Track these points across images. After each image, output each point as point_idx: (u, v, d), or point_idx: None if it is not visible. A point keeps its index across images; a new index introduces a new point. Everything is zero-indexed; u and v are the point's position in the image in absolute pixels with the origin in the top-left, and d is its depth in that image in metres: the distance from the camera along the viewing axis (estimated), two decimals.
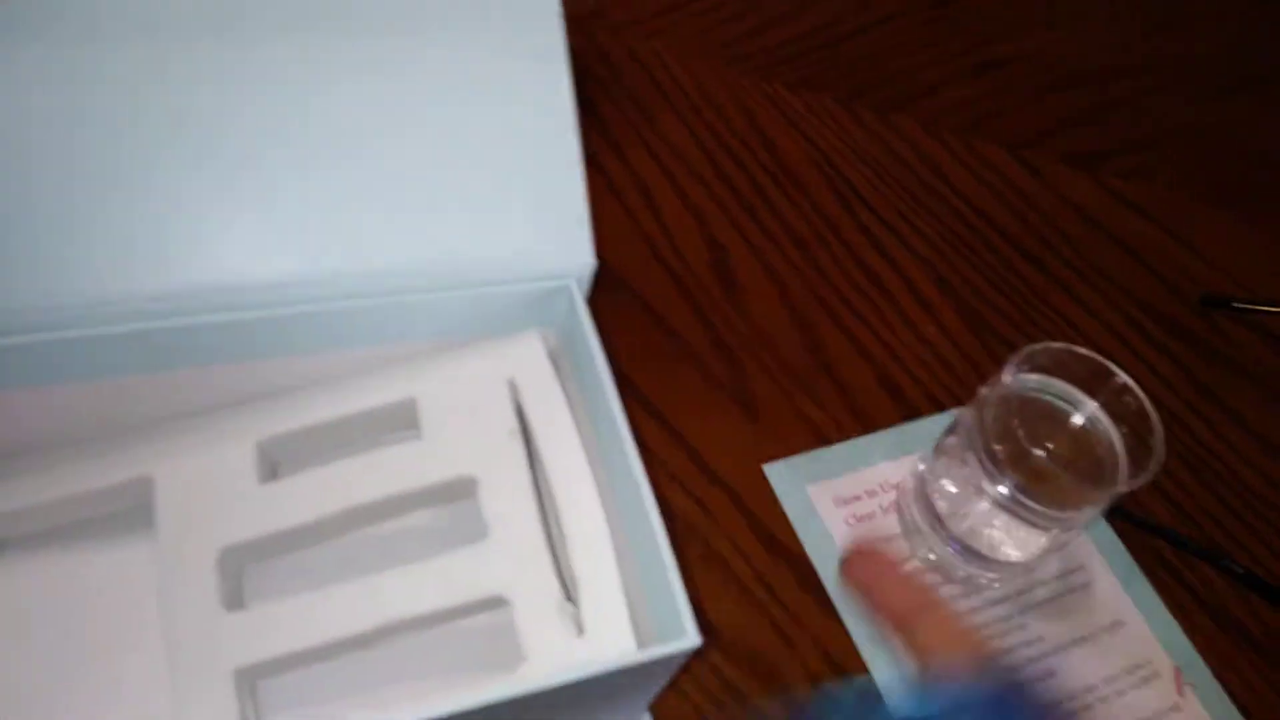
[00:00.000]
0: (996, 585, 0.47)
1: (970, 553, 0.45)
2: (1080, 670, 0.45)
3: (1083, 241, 0.64)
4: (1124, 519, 0.51)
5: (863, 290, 0.57)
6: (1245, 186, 0.71)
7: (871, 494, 0.49)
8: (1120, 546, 0.50)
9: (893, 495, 0.49)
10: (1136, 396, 0.42)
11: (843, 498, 0.48)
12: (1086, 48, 0.76)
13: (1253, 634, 0.49)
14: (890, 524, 0.48)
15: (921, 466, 0.47)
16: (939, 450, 0.46)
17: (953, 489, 0.45)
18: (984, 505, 0.43)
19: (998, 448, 0.41)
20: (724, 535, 0.47)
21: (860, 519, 0.48)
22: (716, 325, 0.54)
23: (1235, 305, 0.62)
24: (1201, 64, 0.77)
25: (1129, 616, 0.47)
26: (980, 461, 0.41)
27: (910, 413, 0.52)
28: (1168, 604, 0.48)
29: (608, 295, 0.53)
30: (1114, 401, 0.43)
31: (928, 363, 0.55)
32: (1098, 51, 0.76)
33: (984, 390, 0.42)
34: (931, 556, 0.47)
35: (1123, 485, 0.40)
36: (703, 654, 0.43)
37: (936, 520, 0.46)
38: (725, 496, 0.48)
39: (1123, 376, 0.42)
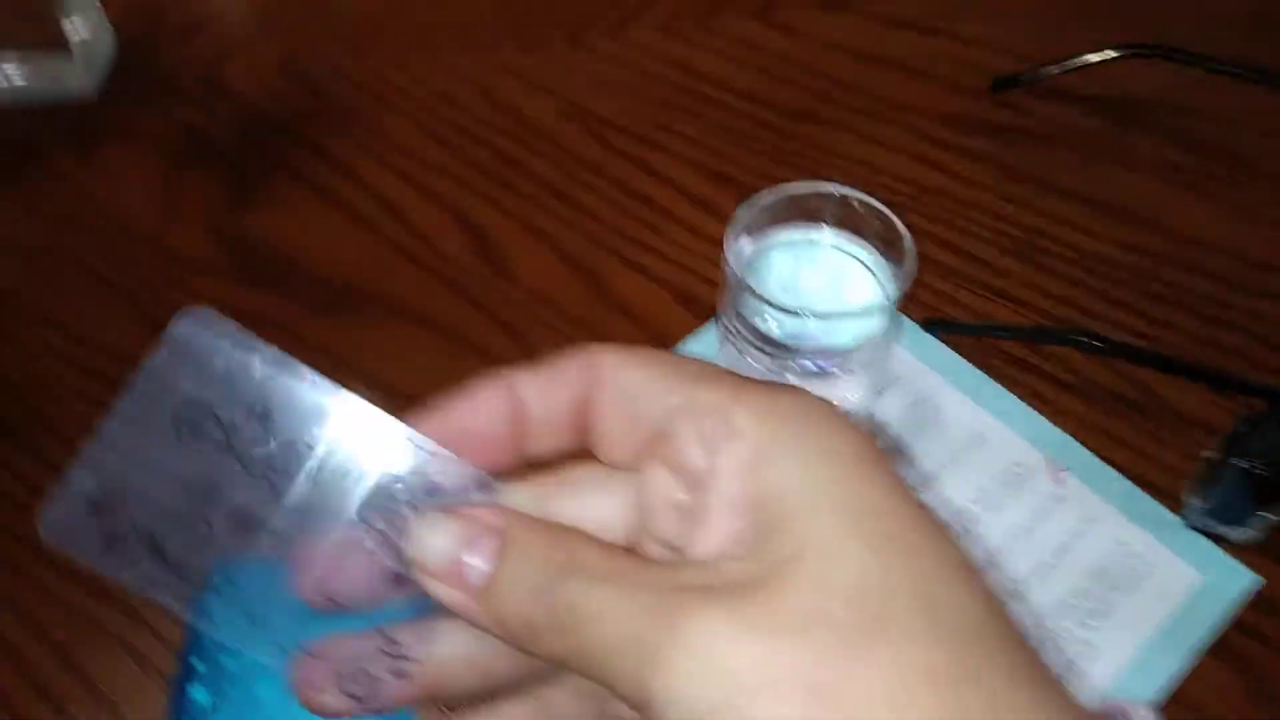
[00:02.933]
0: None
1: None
2: (950, 496, 0.42)
3: (859, 81, 0.61)
4: (956, 330, 0.48)
5: (638, 217, 0.54)
6: None
7: None
8: (962, 362, 0.46)
9: None
10: (862, 202, 0.39)
11: None
12: None
13: (1129, 398, 0.45)
14: None
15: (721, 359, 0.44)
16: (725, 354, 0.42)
17: (759, 366, 0.42)
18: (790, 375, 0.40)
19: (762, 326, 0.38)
20: None
21: None
22: (495, 308, 0.50)
23: (1023, 80, 0.58)
24: None
25: (987, 427, 0.44)
26: (755, 345, 0.39)
27: (711, 313, 0.49)
28: (1026, 400, 0.45)
29: (379, 326, 0.50)
30: (855, 220, 0.40)
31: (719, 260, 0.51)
32: None
33: (723, 269, 0.39)
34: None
35: (890, 293, 0.38)
36: None
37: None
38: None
39: (838, 189, 0.39)
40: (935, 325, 0.48)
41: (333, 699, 0.22)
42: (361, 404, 0.22)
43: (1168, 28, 0.59)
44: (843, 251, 0.40)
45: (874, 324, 0.38)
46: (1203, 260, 0.50)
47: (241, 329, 0.22)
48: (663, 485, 0.22)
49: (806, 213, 0.40)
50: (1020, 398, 0.45)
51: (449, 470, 0.23)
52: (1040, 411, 0.44)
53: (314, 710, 0.22)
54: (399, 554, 0.22)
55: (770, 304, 0.37)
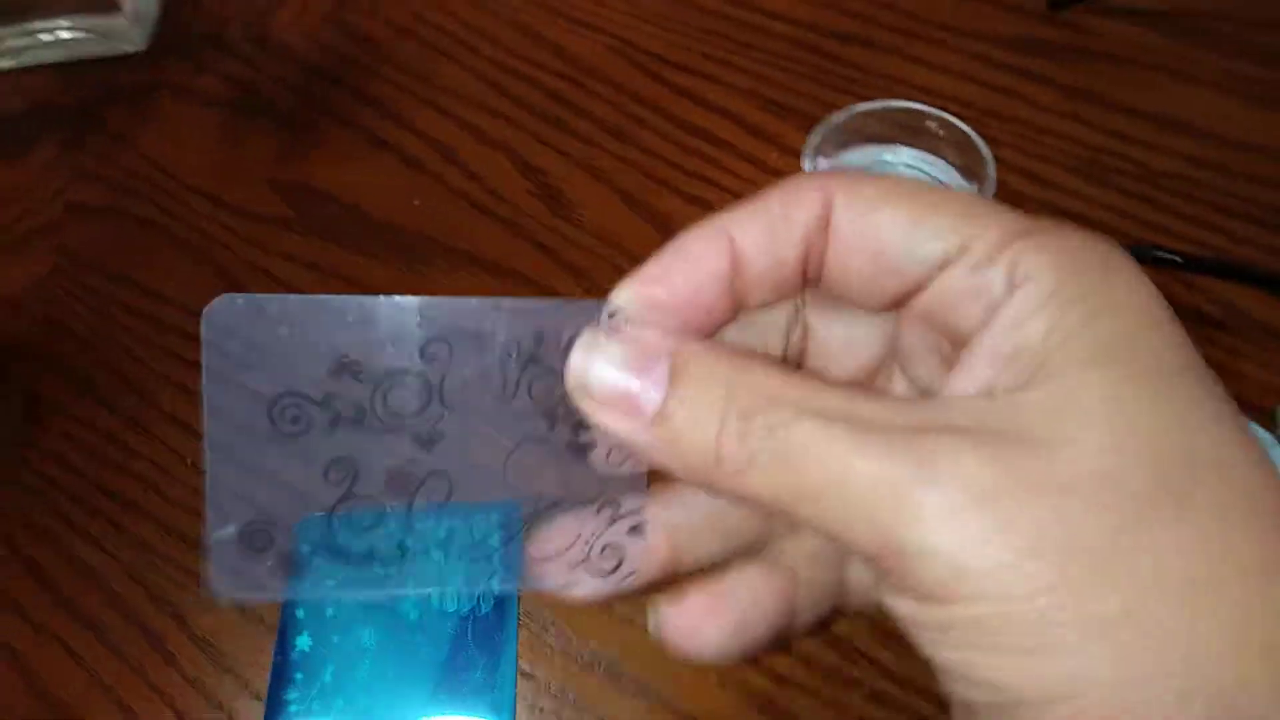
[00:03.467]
0: None
1: None
2: None
3: (912, 4, 0.59)
4: None
5: (697, 151, 0.54)
6: None
7: None
8: None
9: None
10: (944, 121, 0.39)
11: None
12: None
13: (1213, 317, 0.45)
14: None
15: None
16: None
17: None
18: None
19: None
20: None
21: None
22: (560, 251, 0.50)
23: None
24: None
25: None
26: None
27: None
28: None
29: (442, 271, 0.50)
30: (931, 141, 0.39)
31: None
32: None
33: None
34: None
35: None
36: None
37: None
38: None
39: (914, 105, 0.39)
40: None
41: (585, 585, 0.21)
42: (424, 298, 0.20)
43: None
44: (919, 170, 0.39)
45: None
46: (1274, 172, 0.49)
47: (263, 296, 0.20)
48: (922, 335, 0.20)
49: (881, 133, 0.39)
50: None
51: (569, 309, 0.21)
52: None
53: (574, 602, 0.22)
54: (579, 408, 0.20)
55: None
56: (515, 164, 0.54)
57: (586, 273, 0.49)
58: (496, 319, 0.20)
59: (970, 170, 0.38)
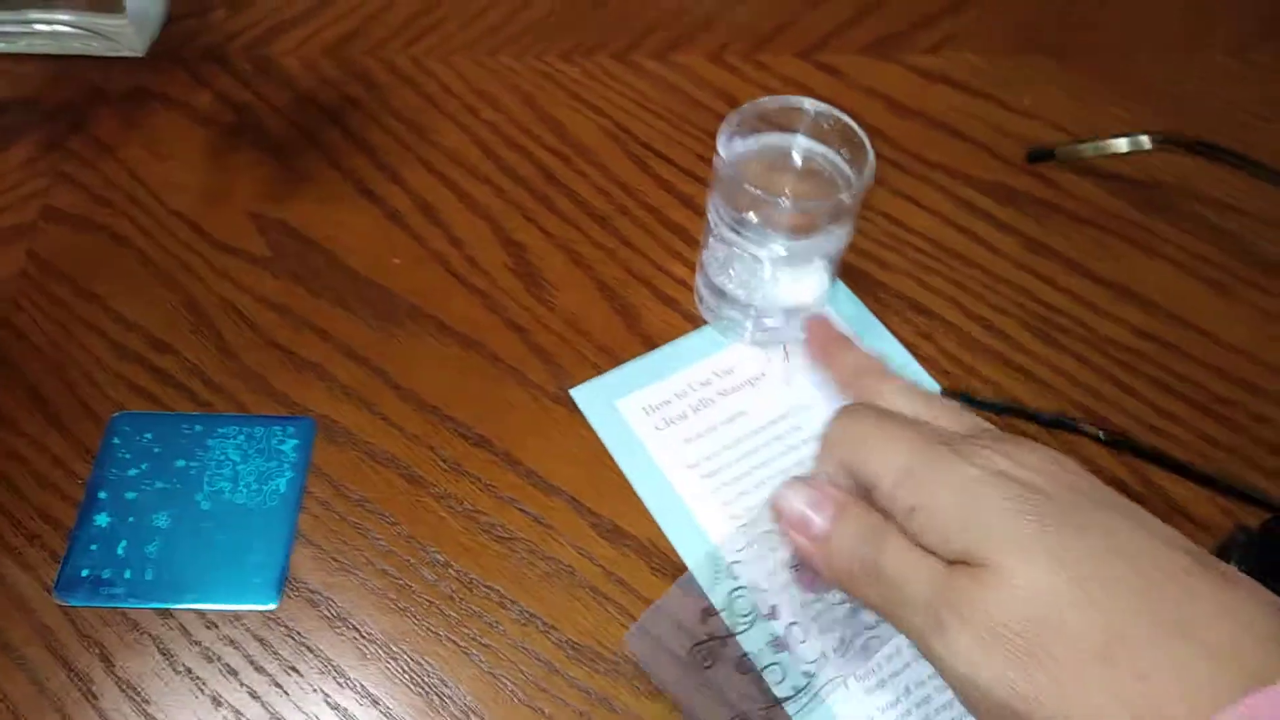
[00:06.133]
0: (801, 334, 0.49)
1: (771, 313, 0.50)
2: None
3: (897, 130, 0.62)
4: (977, 405, 0.49)
5: (674, 251, 0.55)
6: (1055, 30, 0.69)
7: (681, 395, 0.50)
8: None
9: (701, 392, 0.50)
10: (832, 115, 0.47)
11: (651, 405, 0.49)
12: None
13: (1132, 489, 0.47)
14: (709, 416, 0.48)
15: (703, 254, 0.50)
16: (708, 243, 0.49)
17: (732, 269, 0.49)
18: (762, 267, 0.47)
19: (747, 214, 0.46)
20: (567, 544, 0.45)
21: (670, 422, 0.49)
22: (531, 332, 0.51)
23: (1058, 153, 0.60)
24: None
25: None
26: (738, 232, 0.46)
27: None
28: None
29: (411, 334, 0.51)
30: (818, 129, 0.48)
31: None
32: None
33: (715, 166, 0.46)
34: (735, 329, 0.51)
35: (855, 188, 0.45)
36: (562, 670, 0.41)
37: (733, 299, 0.50)
38: (564, 503, 0.46)
39: (811, 104, 0.47)
40: (955, 397, 0.49)
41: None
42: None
43: (1206, 120, 0.61)
44: (814, 154, 0.48)
45: (840, 213, 0.45)
46: (1217, 357, 0.52)
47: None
48: None
49: (783, 123, 0.48)
50: None
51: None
52: None
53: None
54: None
55: (753, 187, 0.44)
56: (497, 235, 0.55)
57: (553, 358, 0.50)
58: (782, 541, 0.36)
59: (855, 157, 0.46)
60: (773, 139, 0.48)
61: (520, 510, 0.45)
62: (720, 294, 0.50)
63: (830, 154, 0.48)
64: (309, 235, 0.54)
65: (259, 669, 0.41)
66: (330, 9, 0.66)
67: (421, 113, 0.61)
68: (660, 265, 0.54)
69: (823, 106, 0.47)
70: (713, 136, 0.60)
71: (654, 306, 0.53)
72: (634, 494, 0.46)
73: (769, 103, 0.47)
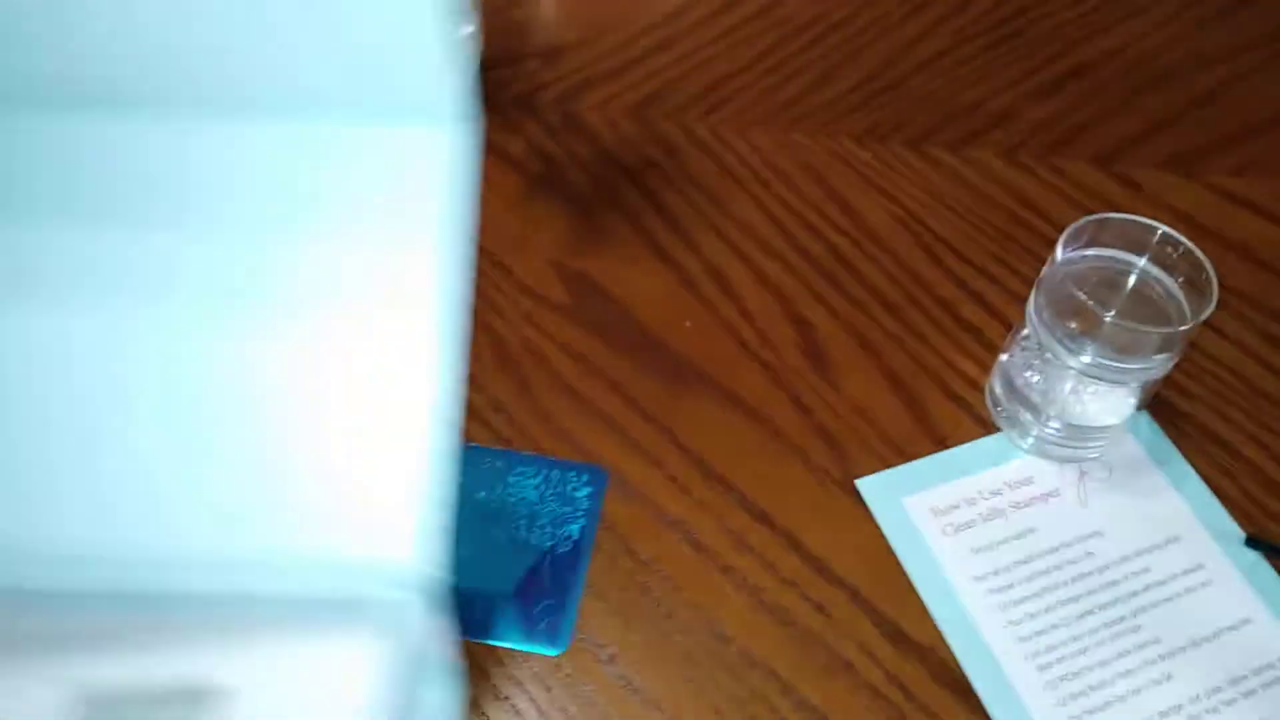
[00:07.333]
0: (1097, 455, 0.50)
1: (1070, 429, 0.49)
2: (1201, 672, 0.43)
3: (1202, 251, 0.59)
4: (1269, 550, 0.47)
5: (965, 349, 0.55)
6: None
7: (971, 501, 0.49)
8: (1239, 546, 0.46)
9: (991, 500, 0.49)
10: (1180, 243, 0.46)
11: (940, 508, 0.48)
12: (1164, 41, 0.72)
13: None
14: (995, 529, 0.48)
15: (1004, 357, 0.51)
16: (1015, 346, 0.50)
17: (1037, 377, 0.49)
18: (1069, 381, 0.47)
19: (1069, 323, 0.46)
20: (848, 637, 0.44)
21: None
22: (815, 411, 0.52)
23: None
24: None
25: (1256, 614, 0.45)
26: (1055, 337, 0.46)
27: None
28: None
29: (699, 398, 0.52)
30: (1161, 254, 0.47)
31: None
32: (1174, 43, 0.71)
33: (1044, 270, 0.46)
34: (1030, 440, 0.50)
35: (1189, 323, 0.44)
36: None
37: (1032, 407, 0.49)
38: (845, 595, 0.46)
39: (1163, 228, 0.47)
40: (1259, 545, 0.47)
41: None
42: None
43: None
44: (1150, 277, 0.48)
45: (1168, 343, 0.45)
46: None
47: None
48: None
49: (1126, 241, 0.48)
50: None
51: None
52: None
53: None
54: None
55: (1082, 294, 0.44)
56: (786, 312, 0.56)
57: (838, 442, 0.51)
58: None
59: (1194, 284, 0.46)
60: (1112, 254, 0.48)
61: (802, 595, 0.46)
62: (1020, 400, 0.49)
63: (1168, 280, 0.47)
64: (608, 290, 0.56)
65: (541, 712, 0.42)
66: (636, 70, 0.68)
67: (717, 181, 0.62)
68: (950, 361, 0.54)
69: (1171, 232, 0.46)
70: (1007, 236, 0.60)
71: (942, 403, 0.52)
72: (918, 597, 0.46)
73: (1116, 218, 0.47)
